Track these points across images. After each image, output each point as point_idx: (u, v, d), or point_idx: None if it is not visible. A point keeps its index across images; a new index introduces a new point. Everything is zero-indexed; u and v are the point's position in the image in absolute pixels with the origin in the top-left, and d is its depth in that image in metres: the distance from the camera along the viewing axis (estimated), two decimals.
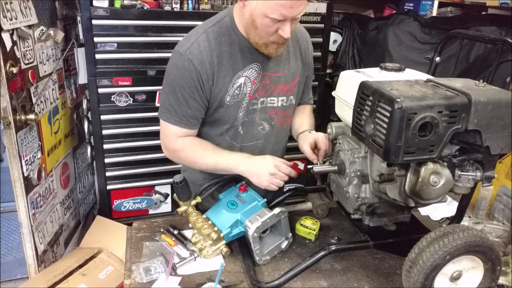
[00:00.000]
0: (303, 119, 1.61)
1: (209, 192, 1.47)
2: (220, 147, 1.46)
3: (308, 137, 1.47)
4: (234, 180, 1.50)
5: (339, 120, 1.40)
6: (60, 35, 2.14)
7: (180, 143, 1.42)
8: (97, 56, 2.24)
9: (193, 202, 1.38)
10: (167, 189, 2.64)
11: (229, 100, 1.40)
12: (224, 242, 1.32)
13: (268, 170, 1.33)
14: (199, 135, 1.49)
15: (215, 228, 1.31)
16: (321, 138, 1.44)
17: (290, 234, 1.38)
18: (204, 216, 1.36)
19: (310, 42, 1.58)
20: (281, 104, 1.50)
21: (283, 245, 1.37)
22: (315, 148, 1.45)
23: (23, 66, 1.79)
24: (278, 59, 1.44)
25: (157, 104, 2.42)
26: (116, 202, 2.55)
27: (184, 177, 1.32)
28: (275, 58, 1.43)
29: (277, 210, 1.31)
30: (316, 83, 2.71)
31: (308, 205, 1.61)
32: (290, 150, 1.72)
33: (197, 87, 1.35)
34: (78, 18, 2.22)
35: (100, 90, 2.29)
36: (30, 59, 1.87)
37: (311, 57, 1.59)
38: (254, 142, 1.51)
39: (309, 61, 1.58)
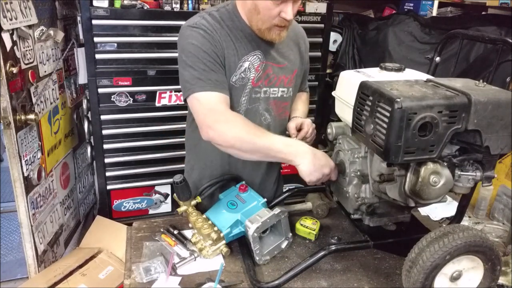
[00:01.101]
0: (298, 105, 1.67)
1: (209, 192, 1.47)
2: None
3: (296, 120, 1.57)
4: (234, 180, 1.50)
5: (339, 120, 1.40)
6: (60, 35, 2.14)
7: (231, 113, 1.30)
8: (97, 56, 2.24)
9: (193, 202, 1.38)
10: (167, 189, 2.64)
11: (235, 81, 1.40)
12: (224, 242, 1.32)
13: (323, 172, 1.27)
14: None
15: (215, 228, 1.31)
16: (306, 122, 1.54)
17: (290, 234, 1.38)
18: (204, 216, 1.36)
19: (306, 39, 1.62)
20: (281, 95, 1.52)
21: (283, 245, 1.37)
22: (299, 130, 1.54)
23: (23, 66, 1.79)
24: (280, 51, 1.47)
25: (157, 104, 2.42)
26: (116, 202, 2.55)
27: (184, 177, 1.32)
28: (277, 49, 1.45)
29: (277, 210, 1.31)
30: (316, 83, 2.72)
31: (308, 205, 1.61)
32: None
33: (217, 53, 1.33)
34: (78, 18, 2.23)
35: (100, 90, 2.30)
36: (30, 59, 1.87)
37: (308, 53, 1.65)
38: None
39: (306, 57, 1.63)
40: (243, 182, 1.46)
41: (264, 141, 1.25)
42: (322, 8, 2.58)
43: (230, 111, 1.31)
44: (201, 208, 1.43)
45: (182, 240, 1.39)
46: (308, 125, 1.54)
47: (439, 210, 1.96)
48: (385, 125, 1.02)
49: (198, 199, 1.40)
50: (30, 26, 1.87)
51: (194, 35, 1.31)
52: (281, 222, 1.33)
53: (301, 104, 1.68)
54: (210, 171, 1.56)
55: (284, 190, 1.64)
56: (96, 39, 2.21)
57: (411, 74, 1.25)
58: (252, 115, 1.47)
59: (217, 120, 1.27)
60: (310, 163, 1.25)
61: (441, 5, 2.96)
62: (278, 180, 1.72)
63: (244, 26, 1.40)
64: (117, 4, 2.19)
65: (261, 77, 1.44)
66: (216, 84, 1.30)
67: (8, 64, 1.65)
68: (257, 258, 1.29)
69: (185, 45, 1.32)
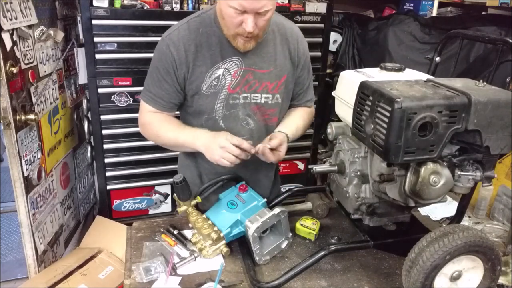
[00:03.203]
0: (289, 120, 1.56)
1: (209, 192, 1.47)
2: None
3: (274, 139, 1.43)
4: (234, 180, 1.50)
5: (339, 120, 1.40)
6: (60, 35, 2.14)
7: (149, 117, 1.48)
8: (97, 56, 2.24)
9: (193, 202, 1.39)
10: (167, 189, 2.64)
11: (205, 89, 1.42)
12: (224, 242, 1.32)
13: (218, 143, 1.35)
14: None
15: (215, 228, 1.31)
16: (283, 146, 1.41)
17: (290, 234, 1.38)
18: (204, 216, 1.36)
19: (302, 42, 1.52)
20: (265, 101, 1.47)
21: (283, 245, 1.37)
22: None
23: (23, 66, 1.79)
24: (263, 55, 1.43)
25: None
26: (116, 202, 2.55)
27: (184, 177, 1.32)
28: (260, 54, 1.42)
29: (277, 210, 1.31)
30: (316, 83, 2.71)
31: (308, 205, 1.61)
32: (290, 150, 1.72)
33: (169, 71, 1.40)
34: (78, 18, 2.23)
35: (100, 90, 2.29)
36: (30, 59, 1.87)
37: (305, 58, 1.53)
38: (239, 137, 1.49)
39: (301, 61, 1.52)
40: (243, 182, 1.46)
41: (172, 136, 1.45)
42: (322, 8, 2.58)
43: (149, 117, 1.48)
44: (201, 208, 1.43)
45: (182, 240, 1.39)
46: (280, 150, 1.41)
47: (439, 210, 1.96)
48: (385, 125, 1.02)
49: (198, 199, 1.40)
50: (30, 26, 1.87)
51: (159, 48, 1.42)
52: (281, 222, 1.33)
53: (295, 118, 1.55)
54: (199, 169, 1.58)
55: (284, 190, 1.64)
56: (96, 39, 2.21)
57: (411, 74, 1.25)
58: (232, 121, 1.47)
59: (139, 123, 1.52)
60: (202, 145, 1.39)
61: (441, 5, 2.96)
62: (274, 180, 1.70)
63: (222, 32, 1.38)
64: (117, 4, 2.19)
65: (239, 83, 1.42)
66: (152, 98, 1.46)
67: (8, 64, 1.65)
68: (257, 258, 1.29)
69: (154, 53, 1.45)
